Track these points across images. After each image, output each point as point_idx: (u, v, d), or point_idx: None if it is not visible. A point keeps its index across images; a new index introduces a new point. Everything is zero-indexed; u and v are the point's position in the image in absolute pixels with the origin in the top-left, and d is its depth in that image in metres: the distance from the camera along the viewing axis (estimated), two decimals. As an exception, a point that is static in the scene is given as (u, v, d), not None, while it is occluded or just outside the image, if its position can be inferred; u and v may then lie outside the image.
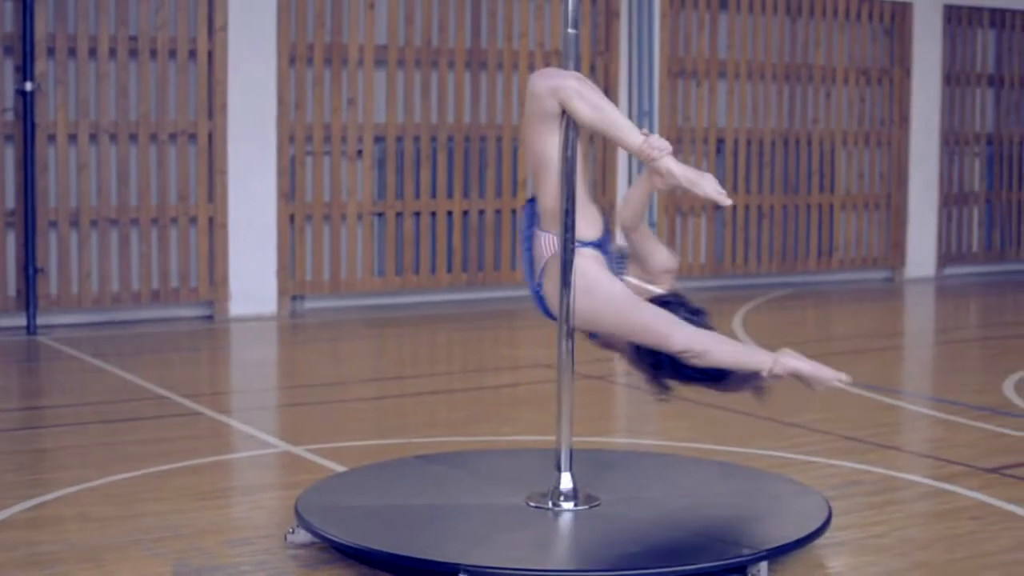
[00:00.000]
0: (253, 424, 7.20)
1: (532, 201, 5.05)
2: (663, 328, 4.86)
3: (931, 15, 15.34)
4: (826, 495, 5.27)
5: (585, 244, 4.91)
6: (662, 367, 4.95)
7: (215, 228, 11.47)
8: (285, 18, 11.72)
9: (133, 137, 11.18)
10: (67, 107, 10.92)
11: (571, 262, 4.87)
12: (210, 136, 11.45)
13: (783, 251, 14.63)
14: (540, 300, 5.03)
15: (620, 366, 9.63)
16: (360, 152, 12.18)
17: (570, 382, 5.09)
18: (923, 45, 15.32)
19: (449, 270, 12.57)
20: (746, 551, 4.51)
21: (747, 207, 14.33)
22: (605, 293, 4.91)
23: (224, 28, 11.40)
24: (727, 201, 4.82)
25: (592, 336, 5.10)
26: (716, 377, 4.94)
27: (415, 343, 10.74)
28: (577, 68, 4.98)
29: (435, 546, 4.59)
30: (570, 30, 5.01)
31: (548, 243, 4.95)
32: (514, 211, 12.87)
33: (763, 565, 4.50)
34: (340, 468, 6.00)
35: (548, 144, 4.87)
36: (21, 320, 10.76)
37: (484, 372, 9.13)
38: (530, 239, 5.04)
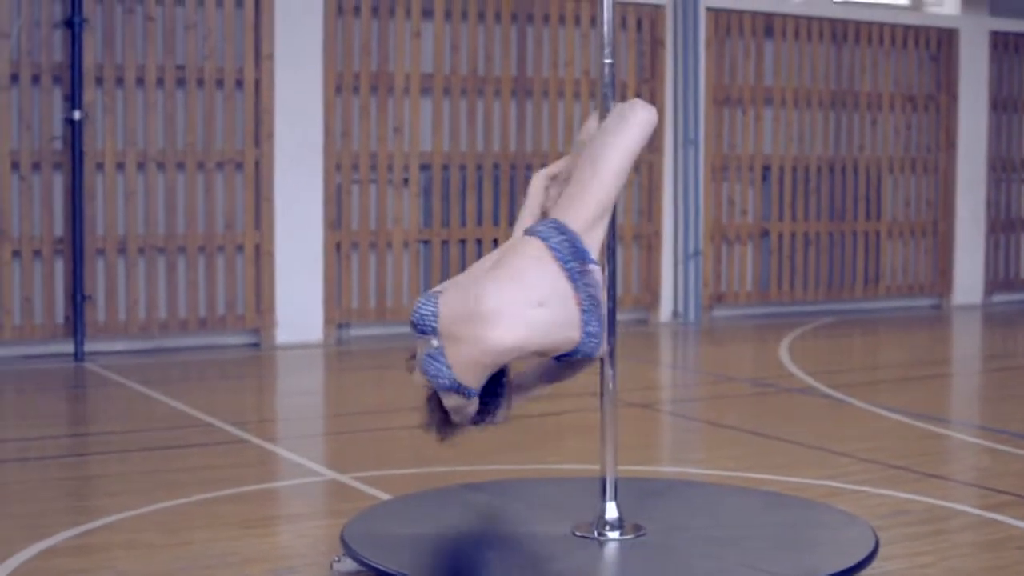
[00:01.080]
0: (299, 452, 7.21)
1: (569, 233, 4.71)
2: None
3: (978, 41, 15.30)
4: (873, 525, 5.23)
5: None
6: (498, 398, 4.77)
7: (262, 256, 11.52)
8: (331, 46, 11.78)
9: (180, 165, 11.25)
10: (115, 136, 11.00)
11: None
12: (257, 164, 11.50)
13: (829, 278, 14.58)
14: (599, 339, 4.76)
15: (666, 394, 9.62)
16: (406, 180, 12.21)
17: (615, 410, 5.08)
18: (970, 71, 15.27)
19: (494, 297, 12.53)
20: (792, 581, 4.49)
21: (793, 234, 14.30)
22: None
23: (271, 57, 11.46)
24: None
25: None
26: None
27: (460, 371, 10.71)
28: (623, 97, 5.00)
29: (481, 575, 4.58)
30: (606, 60, 5.01)
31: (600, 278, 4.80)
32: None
33: (809, 595, 4.48)
34: (386, 496, 6.00)
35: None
36: (69, 347, 10.83)
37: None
38: (589, 277, 4.70)
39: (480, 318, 4.51)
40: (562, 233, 4.68)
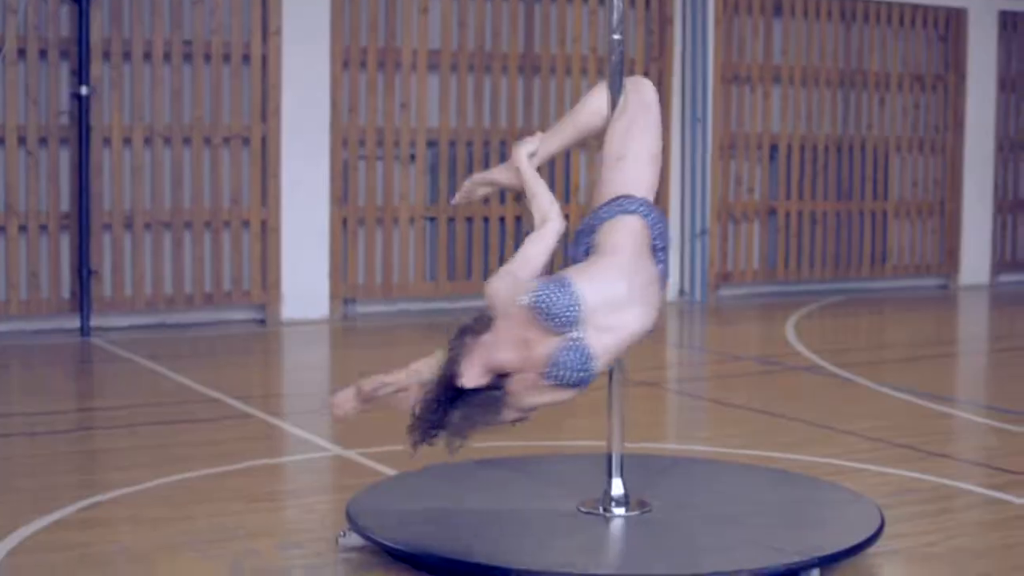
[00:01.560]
0: (305, 427, 7.22)
1: (657, 210, 4.76)
2: None
3: (986, 21, 15.24)
4: (879, 503, 5.23)
5: None
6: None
7: (268, 232, 11.51)
8: (339, 22, 11.75)
9: (187, 140, 11.24)
10: (122, 111, 10.98)
11: None
12: (263, 140, 11.49)
13: (836, 257, 14.55)
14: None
15: (672, 372, 9.62)
16: (413, 156, 12.20)
17: (622, 388, 5.09)
18: (978, 51, 15.23)
19: (501, 275, 12.52)
20: (797, 559, 4.49)
21: (800, 213, 14.27)
22: None
23: (278, 32, 11.44)
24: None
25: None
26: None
27: (466, 347, 10.71)
28: (631, 73, 5.00)
29: (486, 551, 4.58)
30: (614, 36, 5.00)
31: None
32: (567, 216, 12.83)
33: (815, 572, 4.48)
34: (391, 472, 6.01)
35: None
36: (75, 322, 10.83)
37: (535, 377, 9.12)
38: (664, 253, 4.77)
39: (627, 305, 4.45)
40: (652, 210, 4.72)
